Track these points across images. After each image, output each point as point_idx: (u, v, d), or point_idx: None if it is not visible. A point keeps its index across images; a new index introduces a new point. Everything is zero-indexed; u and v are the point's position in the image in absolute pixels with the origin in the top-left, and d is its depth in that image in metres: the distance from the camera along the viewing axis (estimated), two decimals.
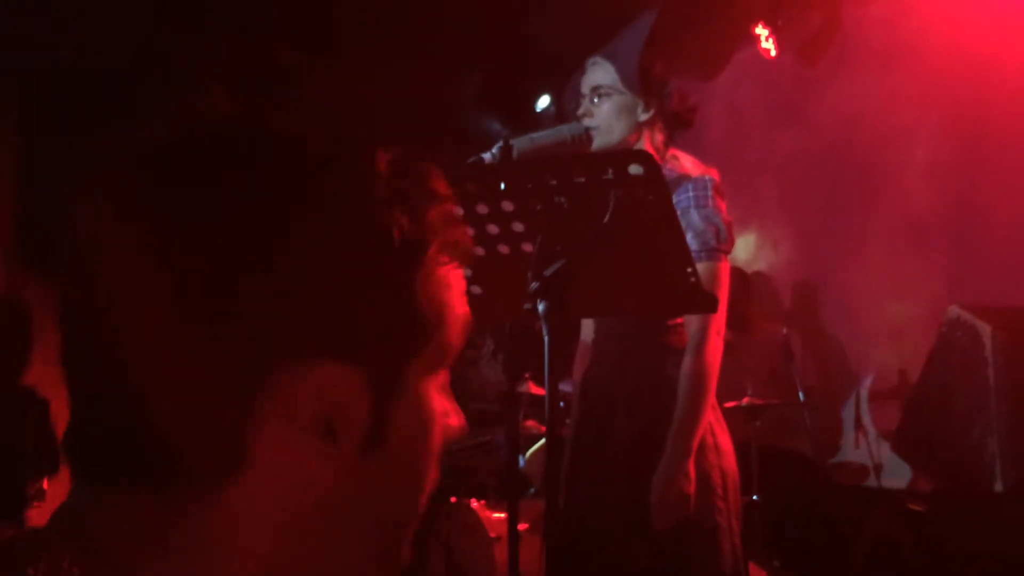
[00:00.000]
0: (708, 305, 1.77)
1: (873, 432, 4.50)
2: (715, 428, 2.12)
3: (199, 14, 4.94)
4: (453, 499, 4.37)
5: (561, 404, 5.16)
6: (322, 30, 5.29)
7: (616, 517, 2.09)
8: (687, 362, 2.07)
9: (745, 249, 5.44)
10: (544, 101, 5.87)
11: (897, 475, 4.34)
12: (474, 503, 4.28)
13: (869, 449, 4.50)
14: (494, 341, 5.65)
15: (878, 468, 4.43)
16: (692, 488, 2.00)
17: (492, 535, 4.11)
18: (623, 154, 1.63)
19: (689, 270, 1.65)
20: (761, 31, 4.81)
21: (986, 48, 4.13)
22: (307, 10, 5.10)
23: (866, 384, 4.60)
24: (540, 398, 4.63)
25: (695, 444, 2.03)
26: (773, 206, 5.33)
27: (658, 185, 1.55)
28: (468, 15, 5.16)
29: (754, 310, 4.86)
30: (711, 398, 2.08)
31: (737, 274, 4.87)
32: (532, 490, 4.49)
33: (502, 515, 4.24)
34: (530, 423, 4.70)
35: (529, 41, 5.42)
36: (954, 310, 3.66)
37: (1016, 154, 4.07)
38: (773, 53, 4.85)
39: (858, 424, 4.58)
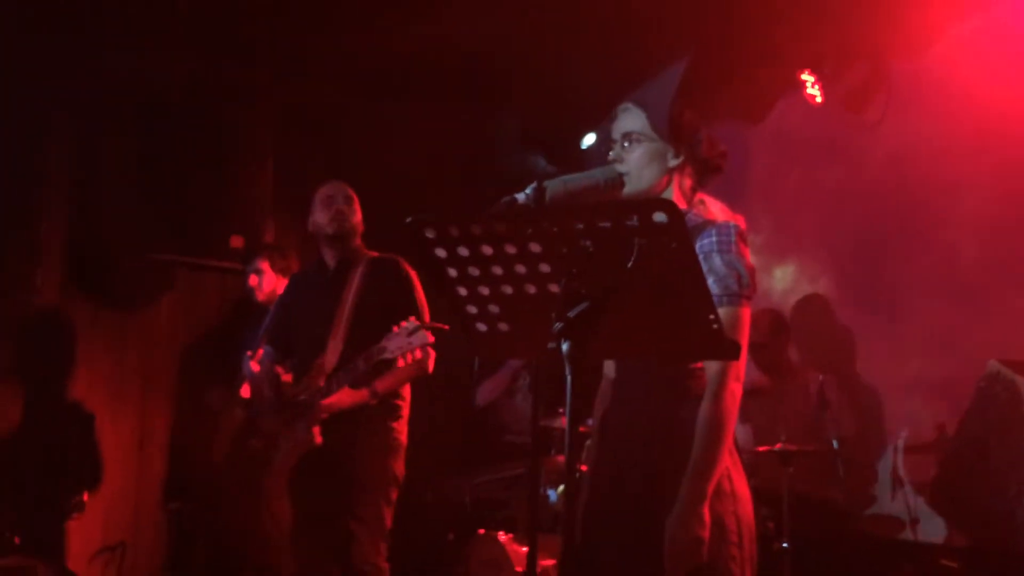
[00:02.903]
0: (731, 352, 1.80)
1: (909, 485, 4.43)
2: (732, 474, 2.11)
3: (246, 51, 5.10)
4: (481, 531, 4.39)
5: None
6: (372, 71, 5.42)
7: (630, 559, 2.10)
8: (705, 406, 2.07)
9: (783, 280, 5.38)
10: (590, 139, 5.91)
11: (934, 529, 4.27)
12: (502, 536, 4.29)
13: (906, 502, 4.43)
14: (530, 375, 5.66)
15: (915, 522, 4.36)
16: (706, 533, 1.99)
17: (518, 569, 4.12)
18: (648, 202, 1.66)
19: (712, 316, 1.68)
20: (807, 78, 4.82)
21: None
22: (351, 53, 5.23)
23: (903, 436, 4.54)
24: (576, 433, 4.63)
25: (711, 489, 2.03)
26: (814, 240, 5.26)
27: (681, 234, 1.58)
28: (514, 53, 5.25)
29: (792, 354, 4.82)
30: (729, 443, 2.09)
31: (776, 317, 4.83)
32: None
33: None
34: (562, 458, 4.70)
35: (576, 79, 5.49)
36: (994, 365, 3.63)
37: None
38: (819, 100, 4.85)
39: (895, 476, 4.51)
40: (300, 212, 5.71)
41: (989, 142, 4.31)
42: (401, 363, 3.35)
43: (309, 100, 5.57)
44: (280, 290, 4.69)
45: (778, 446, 4.00)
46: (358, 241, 3.83)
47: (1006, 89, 4.18)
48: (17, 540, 4.08)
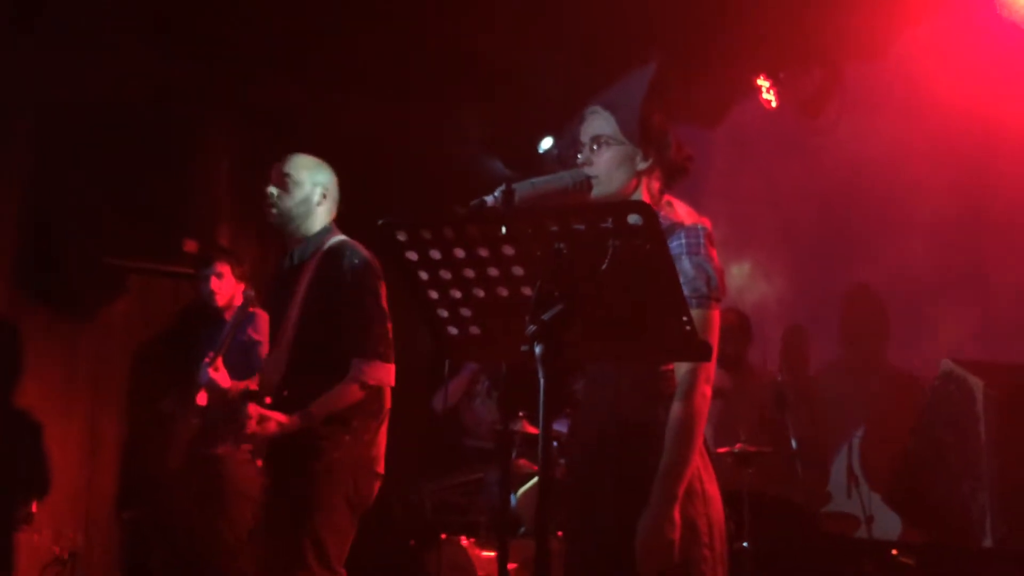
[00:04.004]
0: (703, 353, 1.80)
1: (865, 483, 4.50)
2: (703, 475, 2.12)
3: (202, 51, 5.04)
4: (443, 536, 4.37)
5: (555, 444, 5.17)
6: (329, 71, 5.38)
7: (603, 562, 2.10)
8: (675, 408, 2.07)
9: (739, 277, 5.43)
10: (547, 142, 5.93)
11: (888, 527, 4.34)
12: (464, 541, 4.27)
13: (861, 500, 4.50)
14: (489, 379, 5.67)
15: (869, 519, 4.43)
16: (677, 535, 2.00)
17: (481, 574, 4.11)
18: (623, 204, 1.67)
19: (685, 318, 1.69)
20: (763, 83, 4.89)
21: (998, 114, 4.14)
22: (312, 51, 5.18)
23: (858, 435, 4.61)
24: (533, 437, 4.65)
25: (681, 490, 2.04)
26: (770, 238, 5.31)
27: (656, 235, 1.59)
28: (472, 57, 5.25)
29: (751, 354, 4.87)
30: (699, 444, 2.10)
31: (738, 316, 4.89)
32: (522, 529, 4.49)
33: (492, 554, 4.24)
34: (523, 462, 4.70)
35: (533, 83, 5.50)
36: (947, 364, 3.70)
37: (1021, 219, 4.09)
38: (774, 104, 4.92)
39: (850, 474, 4.58)
40: (256, 215, 5.66)
41: (946, 144, 4.38)
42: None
43: (265, 100, 5.50)
44: (239, 297, 4.61)
45: (738, 447, 4.04)
46: (317, 227, 3.29)
47: (963, 92, 4.25)
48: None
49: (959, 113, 4.27)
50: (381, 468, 3.22)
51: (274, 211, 3.24)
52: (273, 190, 3.24)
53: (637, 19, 4.77)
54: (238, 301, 4.59)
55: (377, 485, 3.21)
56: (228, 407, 4.32)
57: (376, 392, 3.16)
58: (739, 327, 4.81)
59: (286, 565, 3.00)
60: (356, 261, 3.16)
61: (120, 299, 5.18)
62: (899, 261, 4.58)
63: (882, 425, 4.55)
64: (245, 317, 4.27)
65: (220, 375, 4.12)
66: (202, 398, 4.32)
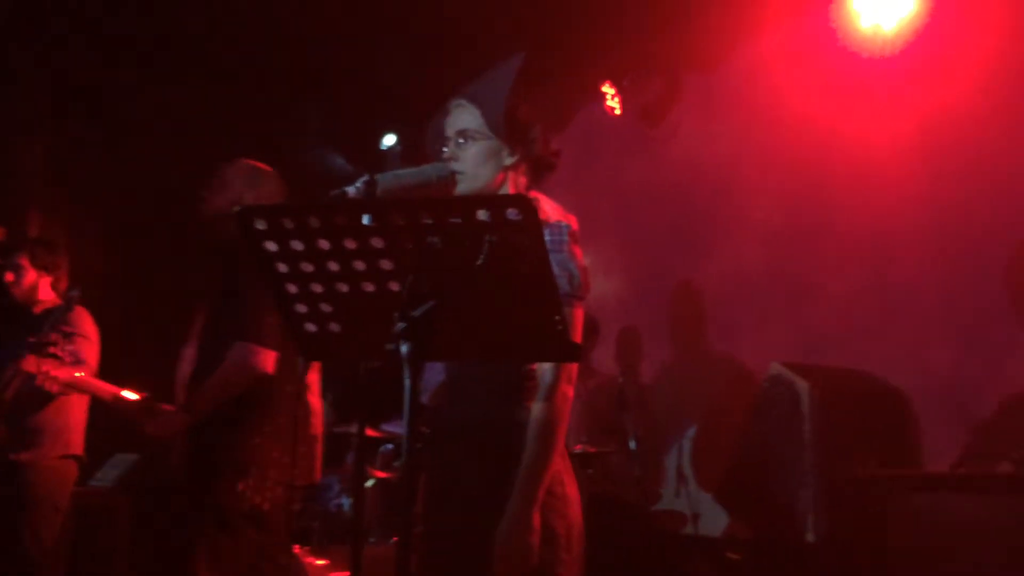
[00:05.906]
0: (572, 354, 1.78)
1: (693, 482, 4.65)
2: (563, 477, 2.09)
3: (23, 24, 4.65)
4: None
5: (390, 446, 5.05)
6: (155, 53, 5.08)
7: (461, 565, 2.04)
8: (537, 408, 2.04)
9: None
10: (390, 139, 5.83)
11: (713, 524, 4.51)
12: (296, 549, 4.11)
13: (688, 498, 4.65)
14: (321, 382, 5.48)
15: (696, 517, 4.58)
16: (536, 539, 1.96)
17: None
18: (502, 198, 1.63)
19: (557, 317, 1.65)
20: (608, 90, 4.98)
21: (832, 125, 4.34)
22: (137, 32, 4.88)
23: (689, 435, 4.76)
24: (372, 440, 4.53)
25: (541, 493, 2.00)
26: (610, 231, 5.38)
27: (534, 231, 1.55)
28: (314, 52, 5.09)
29: (594, 354, 4.94)
30: (560, 446, 2.07)
31: (586, 318, 4.93)
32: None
33: (324, 561, 4.10)
34: None
35: (375, 80, 5.39)
36: (776, 367, 3.87)
37: (849, 228, 4.31)
38: (618, 112, 5.02)
39: (679, 474, 4.73)
40: (72, 200, 5.26)
41: (779, 152, 4.59)
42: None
43: (88, 79, 5.12)
44: (42, 288, 4.30)
45: (578, 448, 4.07)
46: None
47: (798, 103, 4.46)
48: None
49: (794, 123, 4.48)
50: (293, 477, 3.04)
51: None
52: None
53: (482, 22, 4.76)
54: (43, 293, 4.32)
55: (281, 493, 3.00)
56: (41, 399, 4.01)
57: (260, 383, 2.96)
58: (586, 327, 4.86)
59: None
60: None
61: None
62: (732, 264, 4.76)
63: (713, 425, 4.71)
64: (64, 312, 3.99)
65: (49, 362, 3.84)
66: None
